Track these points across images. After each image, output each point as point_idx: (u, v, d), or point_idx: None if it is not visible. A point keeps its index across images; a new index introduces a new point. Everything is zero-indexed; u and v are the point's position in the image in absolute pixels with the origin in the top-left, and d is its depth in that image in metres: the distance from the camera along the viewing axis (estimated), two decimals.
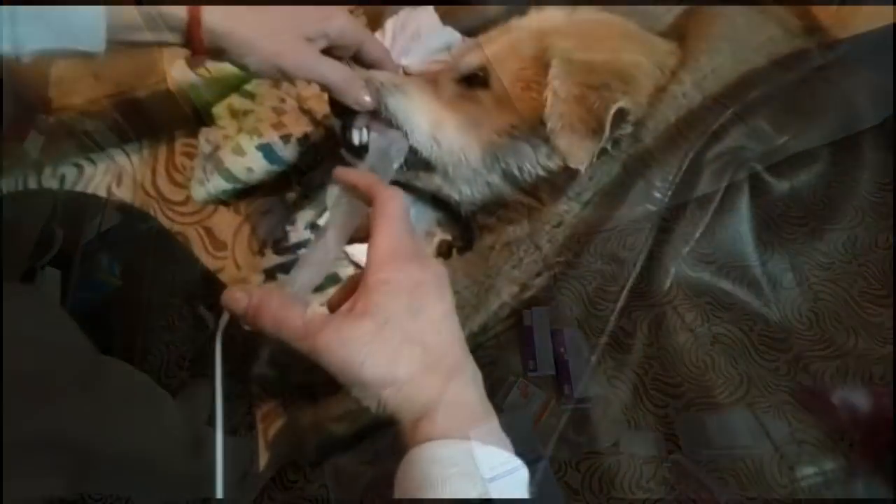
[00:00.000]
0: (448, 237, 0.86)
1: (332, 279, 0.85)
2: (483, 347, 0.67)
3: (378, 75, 0.75)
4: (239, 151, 0.93)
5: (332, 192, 0.90)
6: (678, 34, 0.81)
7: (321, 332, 0.45)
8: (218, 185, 0.93)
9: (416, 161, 0.76)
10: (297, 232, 0.86)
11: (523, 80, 0.73)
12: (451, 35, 0.87)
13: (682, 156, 0.63)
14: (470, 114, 0.76)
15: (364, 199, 0.54)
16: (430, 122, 0.77)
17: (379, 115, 0.75)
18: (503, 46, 0.77)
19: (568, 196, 0.68)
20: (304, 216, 0.86)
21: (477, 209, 0.80)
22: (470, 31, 0.87)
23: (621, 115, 0.66)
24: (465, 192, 0.79)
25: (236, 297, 0.48)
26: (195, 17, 0.63)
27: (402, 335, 0.46)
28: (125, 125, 1.31)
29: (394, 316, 0.46)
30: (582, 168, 0.67)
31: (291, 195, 0.96)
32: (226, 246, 1.21)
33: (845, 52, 0.71)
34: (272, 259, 0.86)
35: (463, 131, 0.76)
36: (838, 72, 0.70)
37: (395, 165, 0.63)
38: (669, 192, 0.63)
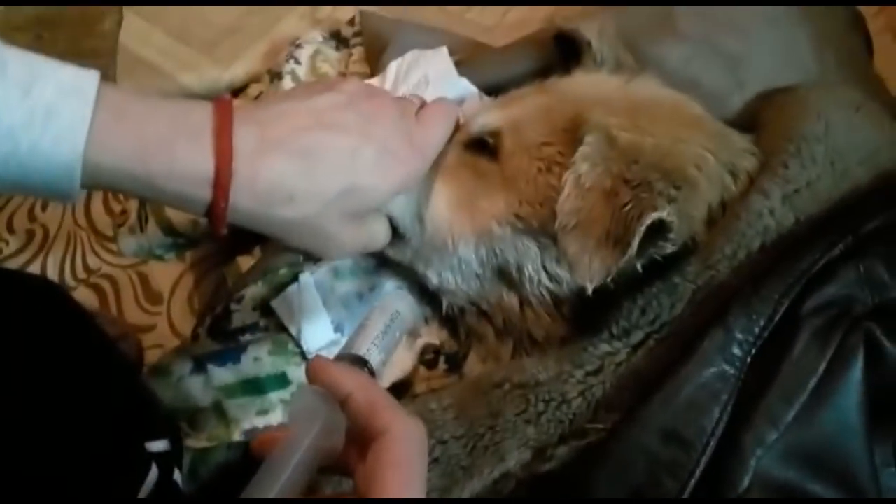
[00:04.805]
0: (435, 341, 0.68)
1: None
2: None
3: None
4: None
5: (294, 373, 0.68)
6: (751, 125, 0.65)
7: None
8: (154, 237, 0.74)
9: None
10: (243, 312, 0.67)
11: (544, 157, 0.56)
12: (466, 88, 0.70)
13: (774, 301, 0.46)
14: (468, 188, 0.59)
15: (356, 419, 0.35)
16: (418, 196, 0.59)
17: None
18: (529, 110, 0.60)
19: (612, 333, 0.50)
20: (254, 292, 0.67)
21: (465, 306, 0.62)
22: (490, 89, 0.70)
23: (660, 228, 0.48)
24: (446, 278, 0.61)
25: None
26: (224, 170, 0.38)
27: None
28: None
29: None
30: (589, 286, 0.49)
31: (247, 260, 0.77)
32: (161, 299, 1.01)
33: None
34: (206, 344, 0.67)
35: (455, 209, 0.59)
36: None
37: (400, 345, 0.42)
38: (753, 351, 0.46)
